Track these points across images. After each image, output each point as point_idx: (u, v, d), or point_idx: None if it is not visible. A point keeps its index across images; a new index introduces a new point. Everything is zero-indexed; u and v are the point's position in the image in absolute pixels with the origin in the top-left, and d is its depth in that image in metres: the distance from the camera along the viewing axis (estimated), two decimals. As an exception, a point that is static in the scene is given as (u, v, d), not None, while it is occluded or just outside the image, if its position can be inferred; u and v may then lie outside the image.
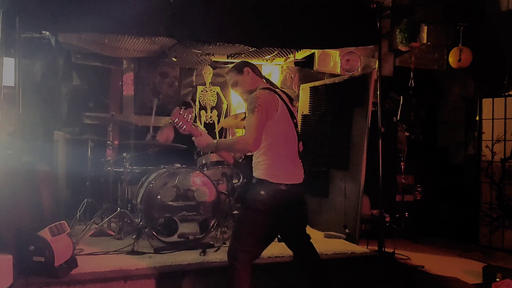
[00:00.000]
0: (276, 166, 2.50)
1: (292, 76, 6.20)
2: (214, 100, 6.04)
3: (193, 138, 2.61)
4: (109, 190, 4.48)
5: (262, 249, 2.60)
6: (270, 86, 2.66)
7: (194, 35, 3.83)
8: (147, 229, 3.82)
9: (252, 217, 2.52)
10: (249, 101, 2.51)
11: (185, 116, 2.55)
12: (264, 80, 2.76)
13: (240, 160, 2.75)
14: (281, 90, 2.66)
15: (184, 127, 2.56)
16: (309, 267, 2.73)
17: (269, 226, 2.53)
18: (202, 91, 6.01)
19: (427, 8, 5.73)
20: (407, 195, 5.65)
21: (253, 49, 5.00)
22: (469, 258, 4.70)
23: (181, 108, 2.58)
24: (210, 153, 3.76)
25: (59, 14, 3.34)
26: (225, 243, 3.94)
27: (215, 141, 2.56)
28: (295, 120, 2.62)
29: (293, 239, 2.74)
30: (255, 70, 2.76)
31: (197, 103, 5.93)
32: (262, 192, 2.48)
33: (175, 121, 2.55)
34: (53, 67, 5.36)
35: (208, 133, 5.37)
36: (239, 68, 2.73)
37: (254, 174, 2.57)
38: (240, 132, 6.02)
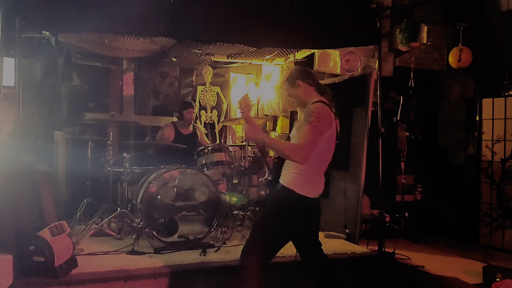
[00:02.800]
0: (306, 180, 2.52)
1: (292, 76, 6.18)
2: (214, 100, 6.05)
3: (244, 125, 2.59)
4: (109, 190, 4.47)
5: (275, 252, 2.61)
6: (325, 100, 2.60)
7: (194, 35, 3.83)
8: (147, 229, 3.81)
9: (271, 222, 2.55)
10: (307, 113, 2.47)
11: (250, 104, 2.59)
12: (317, 89, 2.66)
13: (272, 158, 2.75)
14: (330, 104, 2.60)
15: (245, 113, 2.56)
16: (320, 271, 2.75)
17: (285, 233, 2.58)
18: (202, 91, 6.01)
19: (427, 8, 5.73)
20: (407, 195, 5.65)
21: (253, 49, 5.00)
22: (469, 258, 4.71)
23: (249, 96, 2.64)
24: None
25: (59, 14, 3.34)
26: (225, 243, 3.95)
27: (265, 137, 2.51)
28: (336, 142, 2.63)
29: (305, 246, 2.75)
30: (307, 80, 2.65)
31: (197, 103, 5.93)
32: (285, 200, 2.52)
33: (242, 105, 2.57)
34: (53, 67, 5.35)
35: (208, 133, 5.42)
36: (291, 81, 2.65)
37: (281, 181, 2.57)
38: (240, 130, 6.03)
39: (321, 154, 2.53)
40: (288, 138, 2.69)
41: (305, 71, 2.73)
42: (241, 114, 2.58)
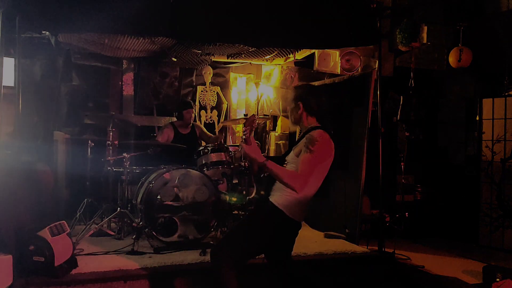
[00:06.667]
0: (298, 204, 2.52)
1: (292, 76, 6.19)
2: (214, 100, 6.05)
3: (242, 143, 2.51)
4: (109, 190, 4.48)
5: (246, 260, 2.60)
6: (324, 126, 2.57)
7: (194, 35, 3.83)
8: (147, 229, 3.82)
9: (252, 234, 2.54)
10: (309, 140, 2.46)
11: (254, 125, 2.54)
12: (318, 117, 2.64)
13: (262, 176, 2.71)
14: (330, 130, 2.57)
15: (247, 133, 2.50)
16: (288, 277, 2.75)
17: (263, 246, 2.59)
18: (202, 91, 6.01)
19: (427, 8, 5.73)
20: (407, 195, 5.65)
21: (253, 49, 5.00)
22: (469, 258, 4.70)
23: (257, 116, 2.58)
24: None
25: (59, 14, 3.34)
26: (225, 243, 3.94)
27: (265, 160, 2.43)
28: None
29: (277, 260, 2.74)
30: (307, 104, 2.60)
31: (197, 103, 5.93)
32: (274, 220, 2.51)
33: (247, 124, 2.51)
34: (53, 67, 5.35)
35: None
36: (292, 100, 2.63)
37: (272, 199, 2.54)
38: (240, 131, 6.03)
39: (315, 181, 2.53)
40: (284, 161, 2.63)
41: (313, 91, 2.65)
42: (243, 133, 2.51)
